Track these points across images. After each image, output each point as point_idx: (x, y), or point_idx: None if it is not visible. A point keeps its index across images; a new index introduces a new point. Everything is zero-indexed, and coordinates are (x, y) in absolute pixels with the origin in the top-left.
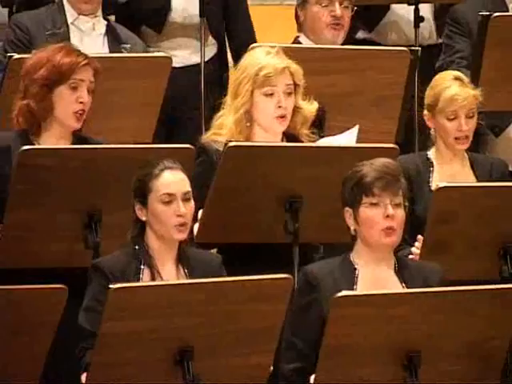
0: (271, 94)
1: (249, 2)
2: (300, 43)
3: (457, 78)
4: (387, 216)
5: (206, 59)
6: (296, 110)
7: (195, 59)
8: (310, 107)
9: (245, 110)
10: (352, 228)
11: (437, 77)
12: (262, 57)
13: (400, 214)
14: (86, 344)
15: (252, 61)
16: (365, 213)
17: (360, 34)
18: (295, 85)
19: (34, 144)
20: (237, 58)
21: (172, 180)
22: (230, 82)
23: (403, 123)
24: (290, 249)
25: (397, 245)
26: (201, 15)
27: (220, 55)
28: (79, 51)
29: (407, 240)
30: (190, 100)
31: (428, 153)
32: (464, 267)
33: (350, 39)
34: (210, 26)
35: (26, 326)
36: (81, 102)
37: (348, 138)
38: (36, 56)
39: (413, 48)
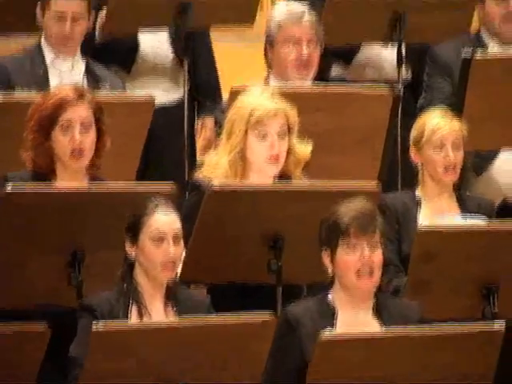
0: (264, 136)
1: (221, 43)
2: (269, 83)
3: (440, 113)
4: (364, 259)
5: (176, 99)
6: (290, 151)
7: (165, 99)
8: (304, 149)
9: (239, 150)
10: (329, 269)
11: (421, 115)
12: (255, 98)
13: (377, 255)
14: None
15: (246, 102)
16: (341, 255)
17: (334, 71)
18: (289, 127)
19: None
20: (197, 98)
21: (164, 219)
22: (225, 121)
23: (386, 161)
24: (274, 288)
25: (376, 286)
26: (184, 54)
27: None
28: (72, 90)
29: (399, 267)
30: (158, 140)
31: (416, 191)
32: (447, 307)
33: (324, 76)
34: (178, 66)
35: (6, 366)
36: (75, 142)
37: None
38: (32, 106)
39: (395, 87)
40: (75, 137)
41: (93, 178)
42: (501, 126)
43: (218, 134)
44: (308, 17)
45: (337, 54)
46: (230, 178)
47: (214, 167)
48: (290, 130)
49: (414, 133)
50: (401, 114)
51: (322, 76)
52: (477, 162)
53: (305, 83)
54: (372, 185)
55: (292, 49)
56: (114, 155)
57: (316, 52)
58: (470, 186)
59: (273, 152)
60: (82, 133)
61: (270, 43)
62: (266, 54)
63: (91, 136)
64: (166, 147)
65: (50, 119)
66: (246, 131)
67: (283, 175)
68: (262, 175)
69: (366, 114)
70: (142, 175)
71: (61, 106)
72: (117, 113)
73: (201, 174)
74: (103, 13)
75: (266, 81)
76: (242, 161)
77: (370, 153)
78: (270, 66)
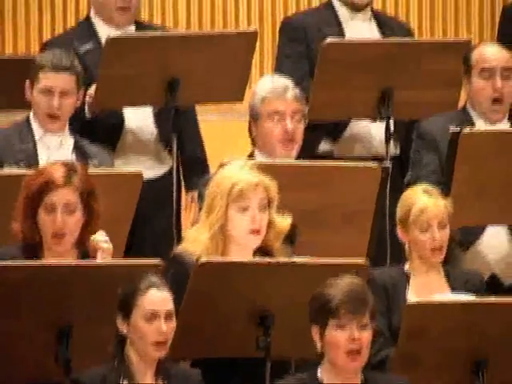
0: (245, 210)
1: (208, 118)
2: (254, 158)
3: (426, 191)
4: (353, 339)
5: (160, 174)
6: (269, 224)
7: (149, 175)
8: (284, 222)
9: (219, 225)
10: (319, 345)
11: (406, 192)
12: (236, 172)
13: (366, 335)
14: None
15: (226, 176)
16: (330, 335)
17: (322, 146)
18: (269, 200)
19: (40, 258)
20: (184, 172)
21: (157, 298)
22: (204, 197)
23: (375, 238)
24: (263, 363)
25: (363, 365)
26: (174, 130)
27: (174, 171)
28: (61, 170)
29: (389, 338)
30: (141, 216)
31: (404, 266)
32: (436, 382)
33: (311, 151)
34: (163, 141)
35: None
36: (56, 225)
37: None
38: (24, 179)
39: (383, 164)
40: (57, 220)
41: (81, 253)
42: (490, 201)
43: (199, 208)
44: (292, 91)
45: (325, 130)
46: (211, 252)
47: (195, 242)
48: (270, 202)
49: (399, 212)
50: (389, 189)
51: (309, 152)
52: (464, 237)
53: (290, 158)
54: (361, 261)
55: (276, 123)
56: (103, 229)
57: (300, 126)
58: (459, 261)
59: (254, 225)
60: (66, 215)
61: (253, 118)
62: (250, 130)
63: (75, 218)
64: (150, 222)
65: (36, 198)
66: (227, 205)
67: (263, 248)
68: (243, 248)
69: (355, 188)
70: (127, 249)
71: (47, 187)
72: (105, 187)
73: (181, 249)
74: (92, 89)
75: (251, 157)
76: (222, 234)
77: (359, 228)
78: (254, 141)
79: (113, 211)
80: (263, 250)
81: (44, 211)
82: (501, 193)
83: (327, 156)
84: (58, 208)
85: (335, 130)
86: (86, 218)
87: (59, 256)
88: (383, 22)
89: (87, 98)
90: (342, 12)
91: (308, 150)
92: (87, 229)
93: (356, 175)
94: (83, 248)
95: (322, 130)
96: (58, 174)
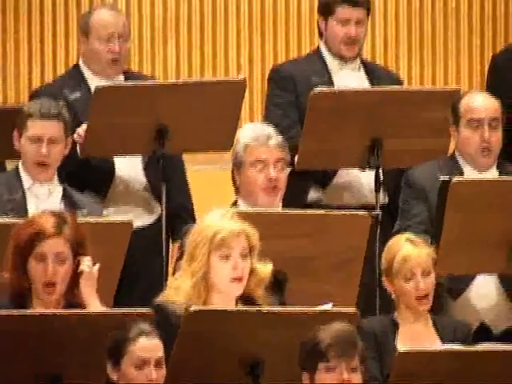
0: (227, 258)
1: (196, 168)
2: (238, 207)
3: (409, 240)
4: (342, 382)
5: (149, 223)
6: (251, 272)
7: (139, 224)
8: (265, 269)
9: (202, 273)
10: None
11: (389, 242)
12: (217, 220)
13: (356, 378)
14: None
15: (208, 224)
16: (320, 378)
17: (311, 195)
18: (251, 247)
19: (28, 307)
20: (172, 221)
21: (147, 346)
22: (186, 245)
23: (364, 287)
24: None
25: None
26: (162, 179)
27: (164, 220)
28: (51, 220)
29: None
30: (131, 264)
31: (393, 315)
32: None
33: (300, 200)
34: (152, 190)
35: None
36: (48, 275)
37: None
38: (14, 229)
39: (373, 212)
40: (48, 269)
41: (69, 303)
42: (479, 250)
43: (181, 257)
44: (274, 139)
45: (313, 178)
46: (193, 300)
47: (177, 290)
48: (251, 250)
49: (383, 262)
50: (379, 238)
51: (298, 200)
52: (454, 285)
53: (273, 205)
54: (351, 310)
55: (259, 172)
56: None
57: (283, 174)
58: (447, 309)
59: (236, 273)
60: (57, 265)
61: (237, 166)
62: (233, 178)
63: (65, 268)
64: (140, 270)
65: (26, 249)
66: (210, 253)
67: (246, 296)
68: (225, 296)
69: (345, 237)
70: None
71: (37, 237)
72: (95, 236)
73: (163, 298)
74: (82, 128)
75: (235, 205)
76: (205, 282)
77: (349, 277)
78: (237, 190)
79: (102, 260)
80: (246, 298)
81: (34, 261)
82: (490, 241)
83: (316, 204)
84: (48, 258)
85: (324, 179)
86: (75, 268)
87: (47, 305)
88: (372, 71)
89: (76, 137)
90: (331, 61)
91: (297, 199)
92: (75, 278)
93: (346, 224)
94: (71, 297)
95: (310, 179)
96: (49, 224)
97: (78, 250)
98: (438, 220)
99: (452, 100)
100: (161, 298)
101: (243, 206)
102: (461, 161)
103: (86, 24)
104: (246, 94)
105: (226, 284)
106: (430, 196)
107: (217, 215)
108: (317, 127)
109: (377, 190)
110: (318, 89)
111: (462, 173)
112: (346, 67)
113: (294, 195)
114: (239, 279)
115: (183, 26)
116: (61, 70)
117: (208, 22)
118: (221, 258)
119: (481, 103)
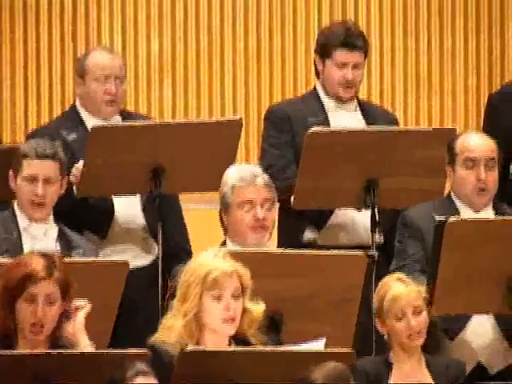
0: (219, 298)
1: (188, 207)
2: (226, 247)
3: (399, 279)
4: None
5: (147, 263)
6: (243, 312)
7: (137, 263)
8: (257, 308)
9: (194, 313)
10: None
11: (380, 282)
12: (210, 260)
13: None
14: None
15: (200, 264)
16: None
17: (307, 235)
18: (243, 287)
19: (14, 347)
20: (170, 260)
21: None
22: (178, 285)
23: (361, 326)
24: None
25: None
26: (159, 219)
27: (160, 260)
28: (41, 262)
29: None
30: (127, 304)
31: (388, 355)
32: None
33: (296, 240)
34: (150, 230)
35: None
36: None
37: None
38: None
39: (369, 252)
40: (38, 311)
41: (55, 343)
42: (475, 290)
43: (172, 296)
44: (261, 177)
45: (309, 218)
46: (186, 339)
47: (169, 329)
48: (243, 290)
49: (375, 303)
50: (375, 278)
51: (293, 240)
52: (450, 325)
53: (262, 244)
54: (347, 350)
55: (247, 212)
56: (88, 318)
57: (271, 213)
58: (444, 350)
59: (228, 313)
60: (46, 306)
61: (224, 207)
62: (221, 219)
63: (54, 310)
64: (136, 310)
65: (16, 290)
66: (202, 293)
67: (238, 335)
68: (217, 336)
69: (340, 277)
70: (113, 337)
71: (28, 279)
72: (91, 275)
73: (157, 337)
74: (78, 166)
75: (223, 245)
76: (197, 322)
77: (345, 317)
78: (225, 230)
79: (99, 300)
80: (238, 338)
81: (24, 302)
82: (486, 281)
83: (311, 245)
84: (39, 299)
85: (319, 219)
86: (63, 309)
87: (33, 346)
88: (368, 112)
89: (71, 178)
90: (328, 102)
91: (292, 239)
92: (61, 319)
93: (342, 264)
94: (55, 338)
95: (305, 219)
96: (39, 266)
97: (66, 290)
98: (433, 260)
99: (448, 139)
100: (154, 339)
101: (231, 246)
102: (457, 201)
103: (82, 66)
104: (242, 133)
105: (219, 324)
106: (426, 236)
107: (209, 255)
108: (313, 166)
109: (373, 230)
110: (314, 128)
111: (458, 213)
112: (343, 108)
113: (289, 235)
114: (232, 320)
115: (179, 66)
116: (57, 110)
117: (204, 62)
118: (213, 299)
119: (477, 143)
